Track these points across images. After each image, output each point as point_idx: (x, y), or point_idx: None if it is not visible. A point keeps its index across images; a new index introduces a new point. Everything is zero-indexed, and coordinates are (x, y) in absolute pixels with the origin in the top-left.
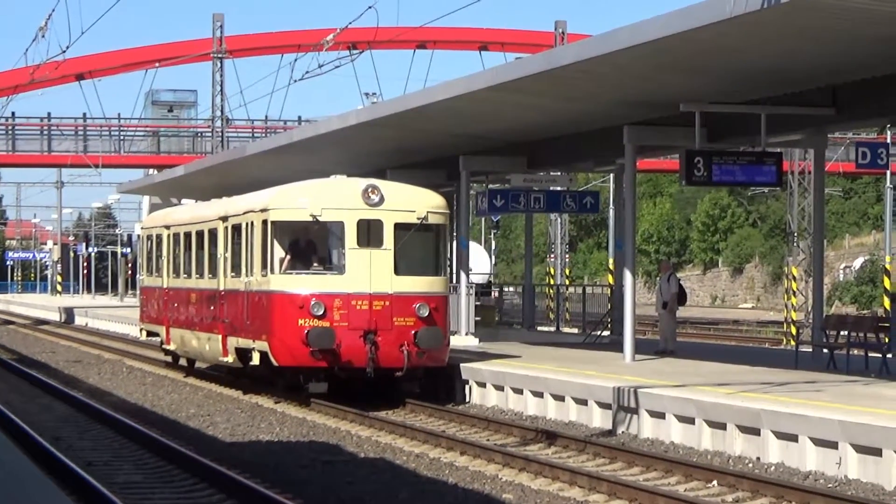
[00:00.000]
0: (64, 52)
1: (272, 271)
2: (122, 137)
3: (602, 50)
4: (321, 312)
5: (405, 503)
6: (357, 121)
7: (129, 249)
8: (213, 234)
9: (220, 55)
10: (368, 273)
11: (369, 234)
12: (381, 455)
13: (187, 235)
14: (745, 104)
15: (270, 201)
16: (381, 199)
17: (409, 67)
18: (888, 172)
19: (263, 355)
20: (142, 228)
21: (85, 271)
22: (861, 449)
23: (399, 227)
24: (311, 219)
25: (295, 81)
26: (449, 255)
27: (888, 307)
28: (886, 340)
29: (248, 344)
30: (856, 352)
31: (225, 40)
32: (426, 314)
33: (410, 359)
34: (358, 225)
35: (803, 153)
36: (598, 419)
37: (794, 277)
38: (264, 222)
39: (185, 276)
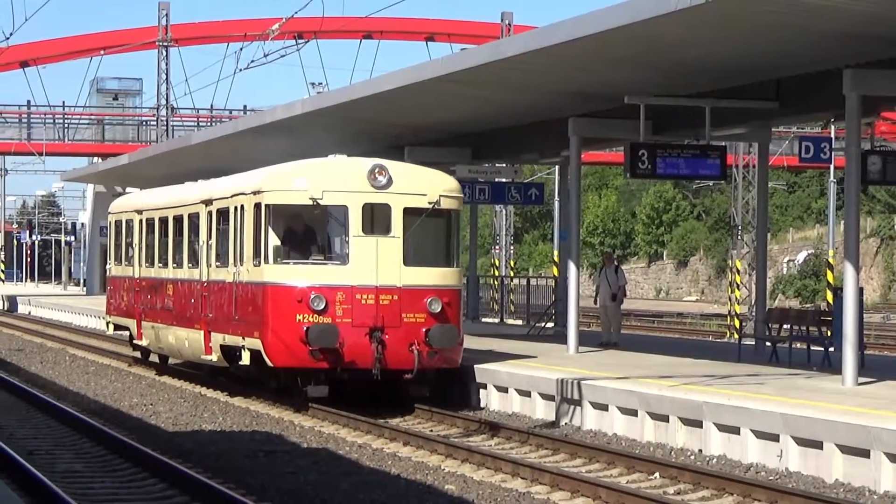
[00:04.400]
0: (7, 38)
1: (266, 261)
2: (66, 125)
3: (547, 42)
4: (322, 307)
5: (347, 494)
6: (302, 110)
7: (73, 238)
8: (193, 219)
9: (165, 43)
10: (375, 264)
11: (376, 219)
12: (323, 445)
13: (163, 221)
14: (689, 97)
15: (264, 182)
16: (389, 181)
17: (356, 57)
18: (832, 167)
19: (255, 354)
20: (110, 213)
21: (28, 259)
22: (802, 442)
23: (409, 213)
24: (310, 202)
25: (241, 70)
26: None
27: (831, 301)
28: (829, 334)
29: (237, 341)
30: (798, 345)
31: (170, 28)
32: (438, 310)
33: (421, 359)
34: (363, 210)
35: (748, 147)
36: (542, 411)
37: (738, 271)
38: (257, 206)
39: (161, 265)
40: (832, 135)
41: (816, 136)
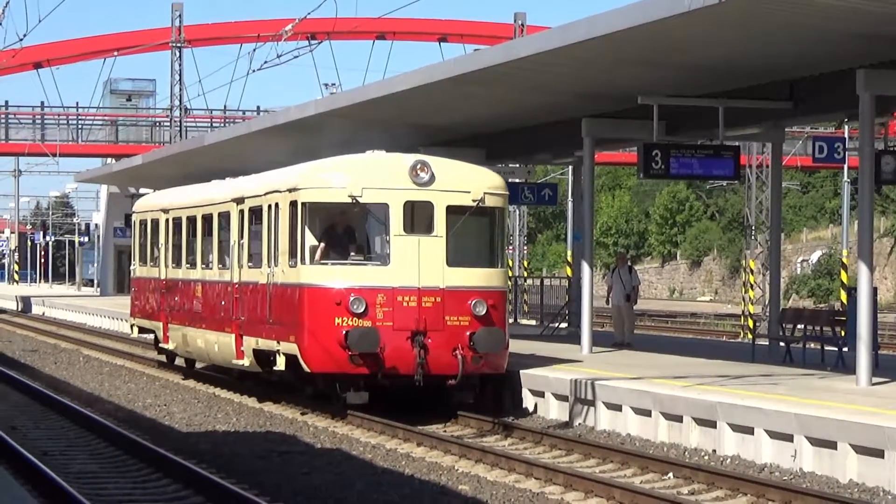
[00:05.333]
0: (21, 39)
1: (303, 261)
2: (80, 126)
3: (560, 42)
4: (362, 310)
5: (361, 494)
6: (316, 111)
7: (86, 238)
8: (223, 218)
9: (178, 44)
10: (416, 264)
11: (417, 218)
12: (337, 446)
13: (191, 220)
14: (702, 97)
15: (301, 179)
16: (432, 178)
17: (369, 58)
18: (845, 167)
19: (291, 359)
20: (134, 212)
21: (42, 260)
22: (816, 442)
23: (452, 211)
24: (349, 200)
25: (254, 71)
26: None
27: (844, 301)
28: (842, 334)
29: (271, 345)
30: (812, 345)
31: (184, 29)
32: (483, 312)
33: (465, 364)
34: (404, 208)
35: (761, 147)
36: (555, 411)
37: (752, 271)
38: (293, 204)
39: (189, 266)
40: (846, 135)
41: (830, 137)
